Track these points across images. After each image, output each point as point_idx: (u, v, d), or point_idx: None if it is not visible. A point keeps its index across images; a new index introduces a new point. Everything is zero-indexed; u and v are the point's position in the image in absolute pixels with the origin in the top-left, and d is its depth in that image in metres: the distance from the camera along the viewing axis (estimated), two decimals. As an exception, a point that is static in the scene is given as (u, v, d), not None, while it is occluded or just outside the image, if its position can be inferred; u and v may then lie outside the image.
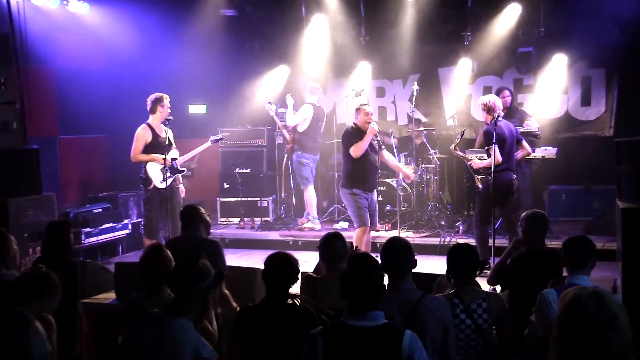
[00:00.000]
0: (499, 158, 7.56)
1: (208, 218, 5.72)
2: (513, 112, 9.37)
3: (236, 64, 11.80)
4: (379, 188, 10.15)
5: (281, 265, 3.94)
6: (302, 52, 11.46)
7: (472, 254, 4.23)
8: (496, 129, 7.48)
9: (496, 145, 7.49)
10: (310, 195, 10.25)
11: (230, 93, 11.83)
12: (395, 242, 4.06)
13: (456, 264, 4.20)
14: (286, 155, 10.85)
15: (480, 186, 7.80)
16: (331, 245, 4.71)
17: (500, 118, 7.73)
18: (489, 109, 7.88)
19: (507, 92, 9.41)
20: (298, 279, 4.03)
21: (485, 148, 7.82)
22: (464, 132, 8.51)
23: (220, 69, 11.59)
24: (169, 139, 8.00)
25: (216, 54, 11.30)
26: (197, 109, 12.57)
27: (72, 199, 10.70)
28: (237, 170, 11.10)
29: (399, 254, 3.93)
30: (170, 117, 8.04)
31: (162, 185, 7.91)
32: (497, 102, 7.90)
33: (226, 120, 11.71)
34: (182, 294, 3.53)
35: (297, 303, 3.90)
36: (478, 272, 4.29)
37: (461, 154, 8.28)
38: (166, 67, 10.94)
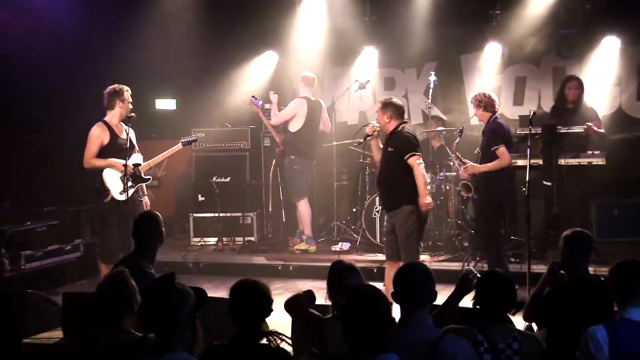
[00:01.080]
0: (510, 160, 8.07)
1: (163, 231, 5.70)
2: (583, 109, 9.39)
3: (213, 50, 11.80)
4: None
5: (249, 296, 3.93)
6: (293, 36, 11.46)
7: (508, 288, 4.19)
8: (503, 129, 8.04)
9: (504, 146, 8.01)
10: (304, 209, 10.22)
11: (206, 85, 11.82)
12: (412, 268, 4.04)
13: (486, 296, 4.17)
14: (275, 160, 10.82)
15: (469, 195, 8.01)
16: (344, 283, 4.60)
17: (497, 116, 8.13)
18: (485, 106, 8.18)
19: (575, 84, 9.45)
20: (272, 310, 4.01)
21: (493, 149, 8.07)
22: (463, 129, 8.61)
23: (193, 56, 11.59)
24: (130, 140, 7.97)
25: (189, 38, 11.28)
26: (165, 104, 12.55)
27: (8, 214, 10.65)
28: (214, 179, 11.07)
29: (416, 283, 3.92)
30: (133, 114, 8.03)
31: (122, 197, 7.87)
32: (494, 97, 8.22)
33: (201, 118, 11.70)
34: (163, 326, 3.51)
35: (274, 343, 3.89)
36: (512, 312, 4.27)
37: (459, 155, 8.53)
38: (127, 53, 10.92)
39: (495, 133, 8.11)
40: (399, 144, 7.46)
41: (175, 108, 12.59)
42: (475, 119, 10.51)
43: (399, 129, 7.48)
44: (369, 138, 7.71)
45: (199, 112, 11.86)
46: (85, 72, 10.64)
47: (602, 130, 9.33)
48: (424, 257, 9.42)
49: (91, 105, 8.65)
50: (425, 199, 7.39)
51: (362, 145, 7.81)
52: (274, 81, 11.86)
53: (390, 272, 7.51)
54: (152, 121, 11.80)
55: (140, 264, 5.38)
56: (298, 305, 4.76)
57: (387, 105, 7.48)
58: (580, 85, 9.43)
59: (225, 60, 11.82)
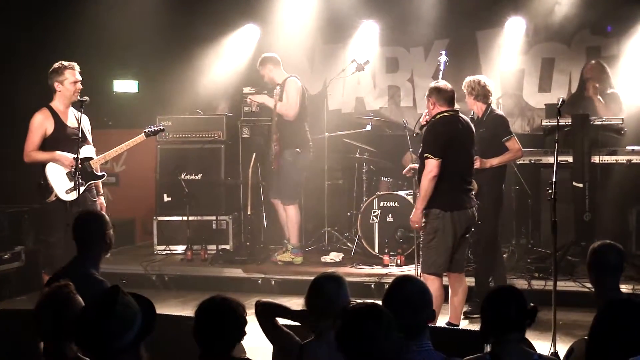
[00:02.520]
0: (522, 152, 8.60)
1: (111, 235, 5.66)
2: (603, 97, 9.57)
3: (183, 23, 11.75)
4: (389, 204, 10.17)
5: (216, 316, 3.94)
6: (278, 6, 11.45)
7: (516, 300, 4.19)
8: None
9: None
10: (295, 215, 10.15)
11: (174, 64, 11.77)
12: (403, 283, 4.05)
13: (493, 313, 4.17)
14: (255, 155, 10.68)
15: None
16: (318, 291, 4.59)
17: (495, 106, 8.55)
18: (477, 95, 8.38)
19: (591, 66, 9.80)
20: (245, 334, 4.03)
21: (504, 140, 8.34)
22: (474, 115, 8.68)
23: (159, 30, 11.52)
24: (82, 129, 7.94)
25: (154, 8, 11.24)
26: (124, 85, 12.51)
27: None
28: (182, 176, 11.05)
29: (410, 301, 3.95)
30: (85, 98, 7.97)
31: (70, 197, 7.84)
32: (490, 87, 8.45)
33: (167, 103, 11.68)
34: (101, 356, 3.48)
35: None
36: (528, 323, 4.25)
37: None
38: (79, 24, 10.87)
39: (504, 123, 8.40)
40: (424, 139, 7.52)
41: (136, 91, 12.56)
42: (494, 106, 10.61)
43: (435, 118, 7.48)
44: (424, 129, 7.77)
45: (165, 96, 11.83)
46: (24, 49, 10.57)
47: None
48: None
49: (33, 87, 8.57)
50: (412, 215, 7.48)
51: (419, 137, 8.03)
52: (255, 60, 11.79)
53: (450, 283, 7.71)
54: (109, 106, 11.77)
55: (87, 270, 5.37)
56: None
57: (431, 91, 7.55)
58: (603, 69, 9.71)
59: (196, 34, 11.76)
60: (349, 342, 3.47)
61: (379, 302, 3.83)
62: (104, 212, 5.84)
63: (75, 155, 7.71)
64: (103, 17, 10.96)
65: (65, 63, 8.01)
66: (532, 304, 4.25)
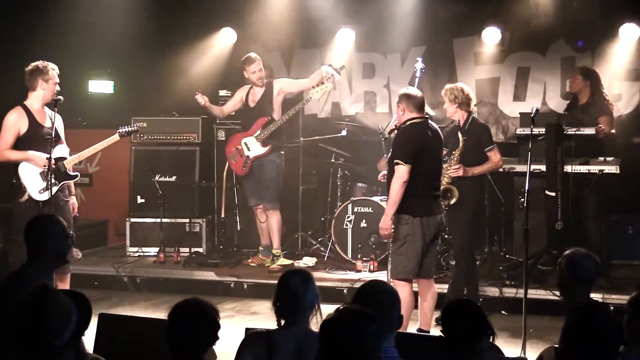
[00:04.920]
0: (502, 162, 8.67)
1: (68, 239, 5.52)
2: (598, 107, 9.56)
3: (159, 25, 11.72)
4: (363, 209, 10.19)
5: (190, 319, 3.94)
6: (256, 11, 11.42)
7: (473, 314, 4.21)
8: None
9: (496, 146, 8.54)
10: (279, 219, 10.17)
11: (150, 65, 11.75)
12: (374, 285, 4.05)
13: (452, 328, 4.17)
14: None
15: (452, 202, 8.24)
16: (286, 287, 4.63)
17: (475, 115, 8.54)
18: (460, 103, 8.43)
19: (578, 75, 9.79)
20: (217, 338, 4.04)
21: (486, 149, 8.42)
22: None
23: (135, 30, 11.47)
24: (56, 129, 7.89)
25: (130, 8, 11.20)
26: (100, 86, 12.44)
27: None
28: (156, 178, 11.00)
29: (378, 302, 3.93)
30: (60, 98, 7.94)
31: (42, 197, 7.78)
32: (472, 94, 8.58)
33: (143, 104, 11.64)
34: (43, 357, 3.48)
35: None
36: (490, 337, 4.25)
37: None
38: (54, 23, 10.82)
39: (488, 132, 8.53)
40: (393, 145, 7.52)
41: (112, 91, 12.49)
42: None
43: (405, 124, 7.47)
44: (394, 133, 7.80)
45: (141, 97, 11.81)
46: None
47: (613, 131, 9.40)
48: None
49: (8, 87, 8.52)
50: (382, 222, 7.38)
51: (388, 141, 8.09)
52: (230, 64, 11.78)
53: (420, 289, 7.66)
54: (84, 106, 11.72)
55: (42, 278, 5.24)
56: None
57: (401, 97, 7.54)
58: (587, 76, 9.65)
59: (173, 36, 11.75)
60: (333, 338, 3.46)
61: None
62: (61, 218, 5.62)
63: (49, 155, 7.69)
64: (79, 16, 10.91)
65: (49, 64, 7.97)
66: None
